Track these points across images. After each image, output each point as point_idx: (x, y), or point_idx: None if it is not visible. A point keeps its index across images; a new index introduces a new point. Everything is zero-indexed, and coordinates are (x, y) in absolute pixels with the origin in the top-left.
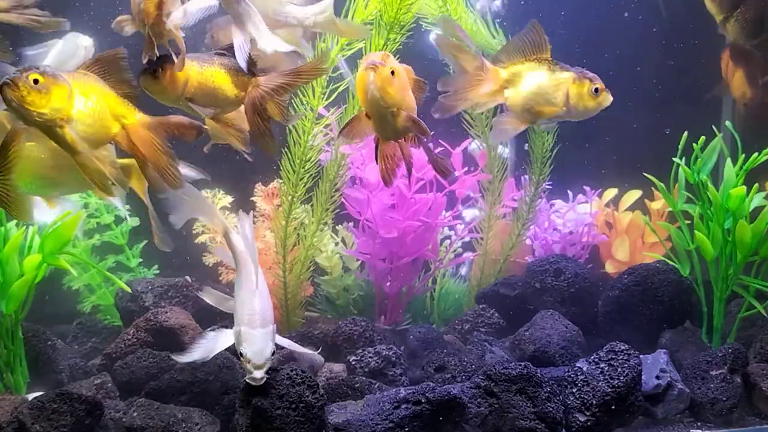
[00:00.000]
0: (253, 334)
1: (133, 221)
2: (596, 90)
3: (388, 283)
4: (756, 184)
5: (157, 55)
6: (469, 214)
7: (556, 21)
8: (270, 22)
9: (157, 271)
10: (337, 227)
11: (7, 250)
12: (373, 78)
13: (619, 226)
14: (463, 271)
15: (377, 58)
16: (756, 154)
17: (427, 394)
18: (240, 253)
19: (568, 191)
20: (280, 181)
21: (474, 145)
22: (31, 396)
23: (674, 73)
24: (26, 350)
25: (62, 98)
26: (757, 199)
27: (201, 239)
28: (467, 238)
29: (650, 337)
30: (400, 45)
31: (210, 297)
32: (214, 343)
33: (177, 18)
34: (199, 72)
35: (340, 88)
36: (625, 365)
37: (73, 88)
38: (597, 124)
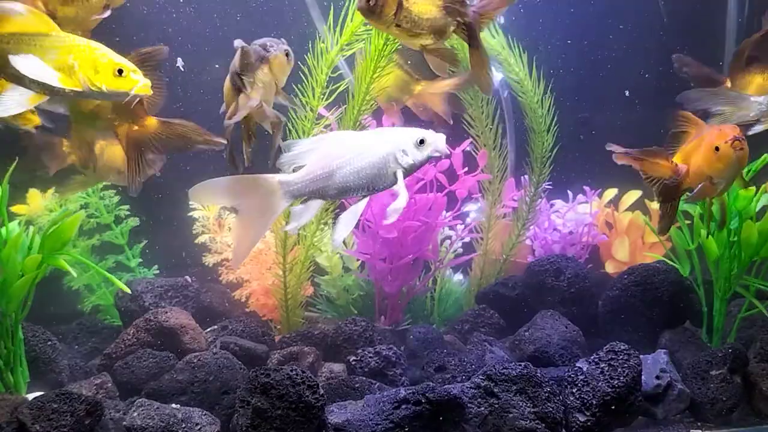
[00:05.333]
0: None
1: (133, 221)
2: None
3: (388, 284)
4: (764, 185)
5: None
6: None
7: (557, 24)
8: None
9: (157, 271)
10: None
11: (8, 249)
12: None
13: (619, 226)
14: (459, 276)
15: None
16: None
17: (427, 394)
18: None
19: (568, 191)
20: None
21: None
22: (31, 396)
23: (674, 74)
24: (26, 350)
25: None
26: (763, 200)
27: (201, 239)
28: (467, 239)
29: (650, 337)
30: (399, 45)
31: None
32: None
33: None
34: None
35: (340, 88)
36: (625, 365)
37: None
38: (597, 123)
